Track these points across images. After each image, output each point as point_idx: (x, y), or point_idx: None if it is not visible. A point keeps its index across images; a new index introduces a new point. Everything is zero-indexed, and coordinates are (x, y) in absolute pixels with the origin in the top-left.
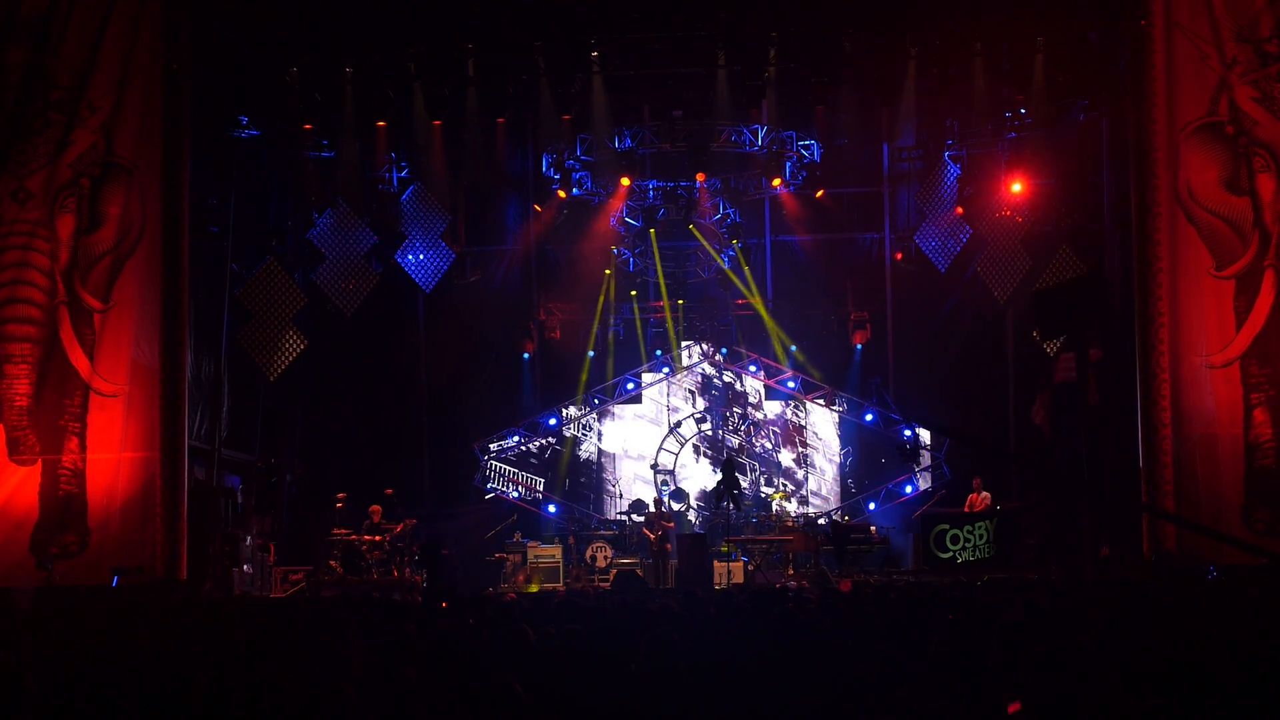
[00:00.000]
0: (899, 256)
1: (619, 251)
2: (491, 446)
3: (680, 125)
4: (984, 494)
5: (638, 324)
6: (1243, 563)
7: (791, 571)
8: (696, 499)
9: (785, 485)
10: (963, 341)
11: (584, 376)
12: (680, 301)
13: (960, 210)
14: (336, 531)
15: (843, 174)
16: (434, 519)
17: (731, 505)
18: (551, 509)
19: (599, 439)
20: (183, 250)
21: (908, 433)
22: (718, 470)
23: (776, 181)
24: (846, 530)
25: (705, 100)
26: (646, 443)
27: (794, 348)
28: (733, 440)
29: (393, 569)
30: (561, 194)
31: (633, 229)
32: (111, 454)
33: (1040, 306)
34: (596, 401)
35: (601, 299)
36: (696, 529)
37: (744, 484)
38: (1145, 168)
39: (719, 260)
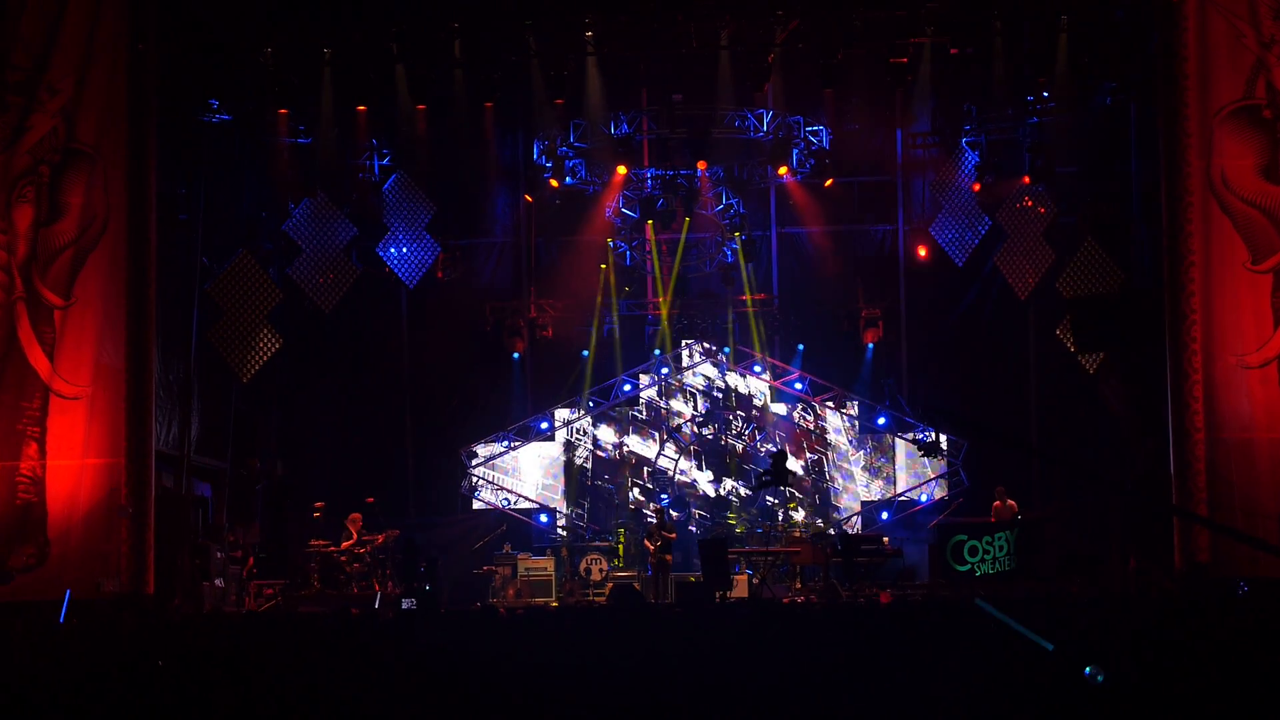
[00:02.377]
0: (923, 252)
1: (615, 244)
2: (479, 452)
3: (680, 110)
4: (1010, 501)
5: (635, 322)
6: None
7: (799, 585)
8: (698, 507)
9: (792, 493)
10: (981, 340)
11: (559, 375)
12: (679, 298)
13: (977, 187)
14: (314, 542)
15: (853, 161)
16: (418, 529)
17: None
18: (543, 519)
19: (594, 444)
20: (149, 243)
21: (923, 436)
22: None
23: (783, 170)
24: (856, 541)
25: (707, 83)
26: (644, 448)
27: (801, 346)
28: (736, 445)
29: (374, 582)
30: (554, 183)
31: (630, 220)
32: (73, 460)
33: (1075, 317)
34: (591, 404)
35: (603, 296)
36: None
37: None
38: (1176, 155)
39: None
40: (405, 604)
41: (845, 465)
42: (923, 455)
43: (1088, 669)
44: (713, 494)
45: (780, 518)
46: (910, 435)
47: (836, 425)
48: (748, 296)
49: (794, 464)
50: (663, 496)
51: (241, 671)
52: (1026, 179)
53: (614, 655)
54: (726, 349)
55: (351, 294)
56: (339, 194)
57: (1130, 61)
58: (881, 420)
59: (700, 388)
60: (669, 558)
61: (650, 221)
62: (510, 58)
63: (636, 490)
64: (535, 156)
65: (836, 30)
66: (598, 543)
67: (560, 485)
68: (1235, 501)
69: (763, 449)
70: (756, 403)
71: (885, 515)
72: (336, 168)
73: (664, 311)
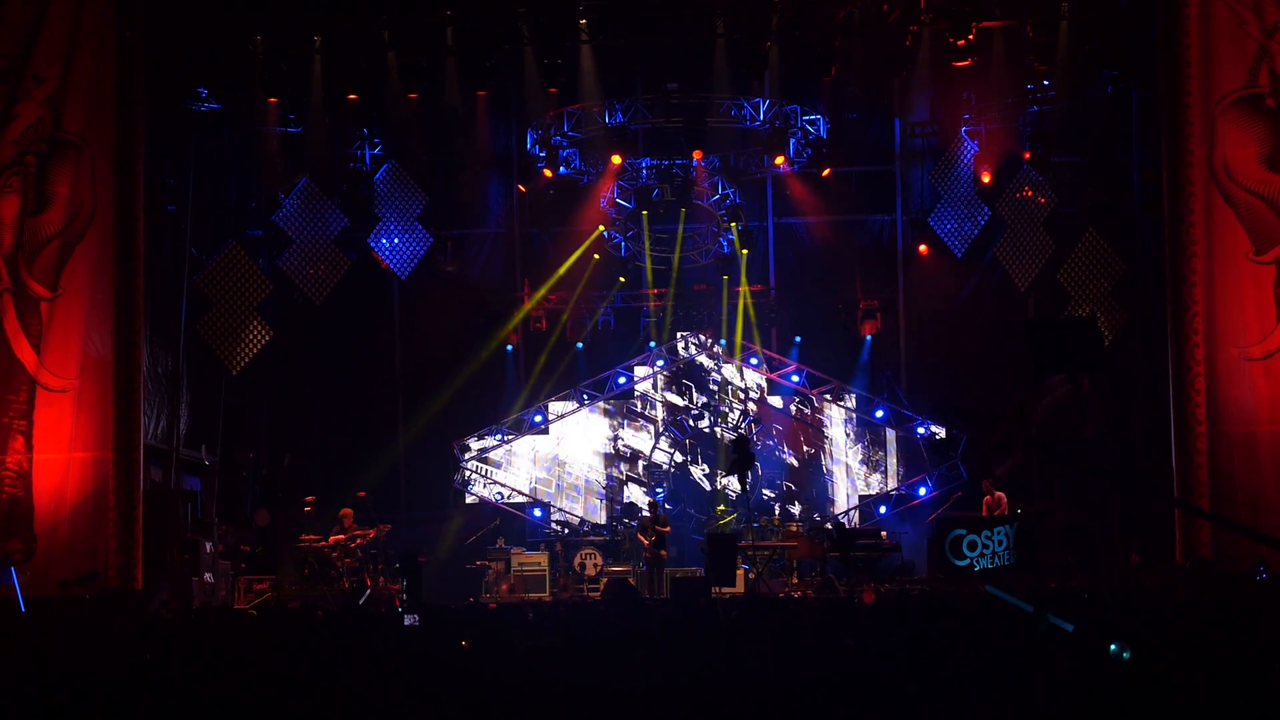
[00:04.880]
0: (924, 251)
1: (609, 235)
2: (472, 445)
3: (676, 99)
4: (997, 494)
5: (630, 313)
6: None
7: (795, 580)
8: (693, 501)
9: (789, 487)
10: (981, 332)
11: (553, 368)
12: (673, 289)
13: (988, 177)
14: (305, 537)
15: (851, 151)
16: (410, 524)
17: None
18: (537, 513)
19: (588, 437)
20: (137, 233)
21: (921, 430)
22: (730, 451)
23: (779, 159)
24: (852, 535)
25: (703, 72)
26: (639, 441)
27: (798, 338)
28: (732, 439)
29: (365, 578)
30: (547, 173)
31: (624, 210)
32: (60, 454)
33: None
34: (585, 397)
35: (598, 287)
36: (694, 535)
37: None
38: (1178, 144)
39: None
40: (409, 620)
41: (843, 459)
42: (933, 454)
43: (1113, 646)
44: (708, 488)
45: (776, 511)
46: (908, 428)
47: (834, 418)
48: (744, 288)
49: (790, 455)
50: (657, 490)
51: (230, 667)
52: (1027, 154)
53: (609, 651)
54: (722, 341)
55: (342, 285)
56: (329, 184)
57: (1132, 49)
58: (880, 413)
59: (696, 380)
60: (664, 552)
61: (645, 212)
62: (503, 46)
63: (631, 484)
64: (529, 146)
65: (833, 17)
66: (592, 537)
67: (554, 479)
68: (1237, 495)
69: (760, 442)
70: (753, 395)
71: (883, 509)
72: (327, 157)
73: (658, 303)
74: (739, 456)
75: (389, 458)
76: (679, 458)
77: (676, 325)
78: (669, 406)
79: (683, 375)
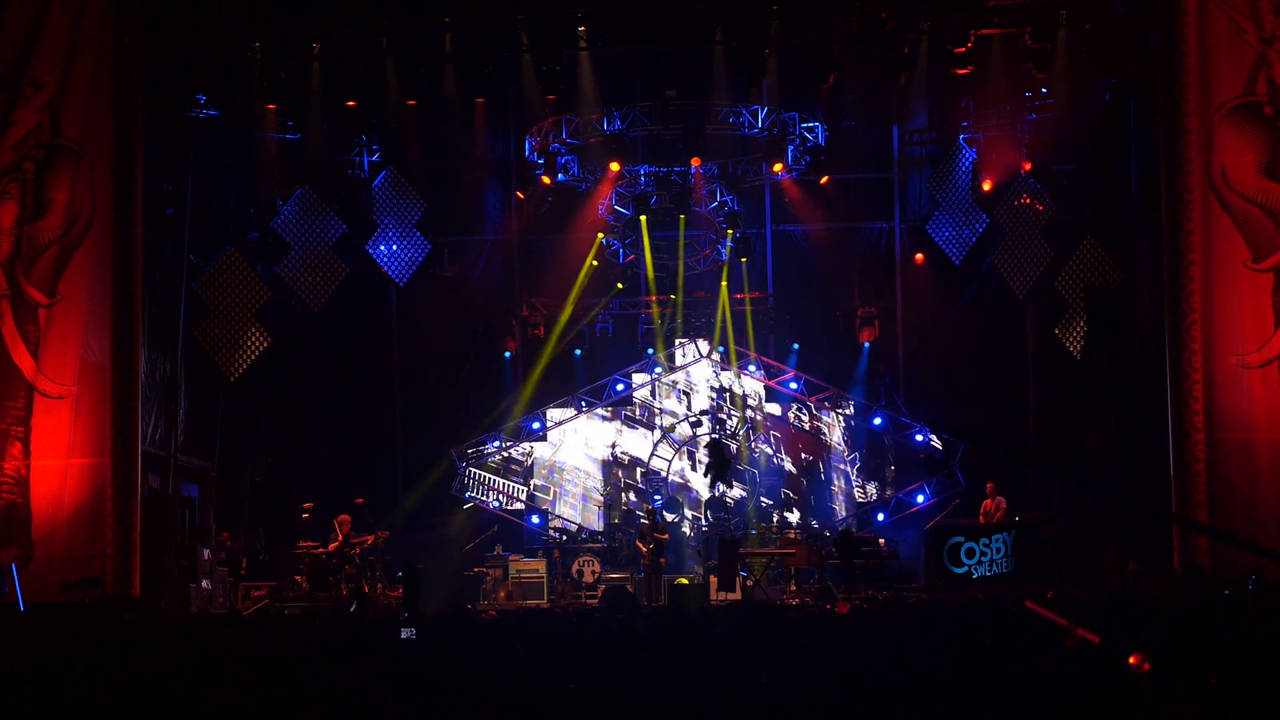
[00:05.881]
0: (920, 259)
1: (608, 242)
2: (470, 452)
3: (674, 106)
4: (999, 499)
5: (629, 320)
6: None
7: (794, 587)
8: (691, 508)
9: (787, 494)
10: (978, 339)
11: (551, 375)
12: (673, 296)
13: (990, 184)
14: (302, 544)
15: (849, 159)
16: (408, 530)
17: (724, 487)
18: (535, 520)
19: (586, 444)
20: (136, 240)
21: (919, 437)
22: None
23: (778, 166)
24: (855, 542)
25: (701, 79)
26: (638, 448)
27: (796, 345)
28: (731, 446)
29: (363, 584)
30: (546, 180)
31: (623, 217)
32: (58, 460)
33: (1092, 306)
34: (583, 404)
35: (597, 294)
36: (691, 542)
37: (732, 454)
38: (1176, 151)
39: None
40: (405, 634)
41: (841, 466)
42: (930, 473)
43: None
44: (706, 495)
45: (775, 519)
46: (906, 435)
47: (832, 425)
48: (743, 295)
49: (788, 462)
50: (655, 497)
51: (227, 673)
52: (1026, 163)
53: (606, 658)
54: (721, 348)
55: (341, 292)
56: (327, 190)
57: (1130, 57)
58: (877, 420)
59: (694, 387)
60: (662, 560)
61: (644, 219)
62: (502, 53)
63: (629, 491)
64: (527, 153)
65: (831, 24)
66: (590, 544)
67: (552, 486)
68: (1235, 503)
69: (758, 449)
70: (751, 402)
71: (881, 516)
72: (325, 164)
73: (657, 309)
74: (714, 460)
75: (387, 464)
76: (677, 464)
77: (675, 332)
78: (667, 413)
79: (681, 382)
